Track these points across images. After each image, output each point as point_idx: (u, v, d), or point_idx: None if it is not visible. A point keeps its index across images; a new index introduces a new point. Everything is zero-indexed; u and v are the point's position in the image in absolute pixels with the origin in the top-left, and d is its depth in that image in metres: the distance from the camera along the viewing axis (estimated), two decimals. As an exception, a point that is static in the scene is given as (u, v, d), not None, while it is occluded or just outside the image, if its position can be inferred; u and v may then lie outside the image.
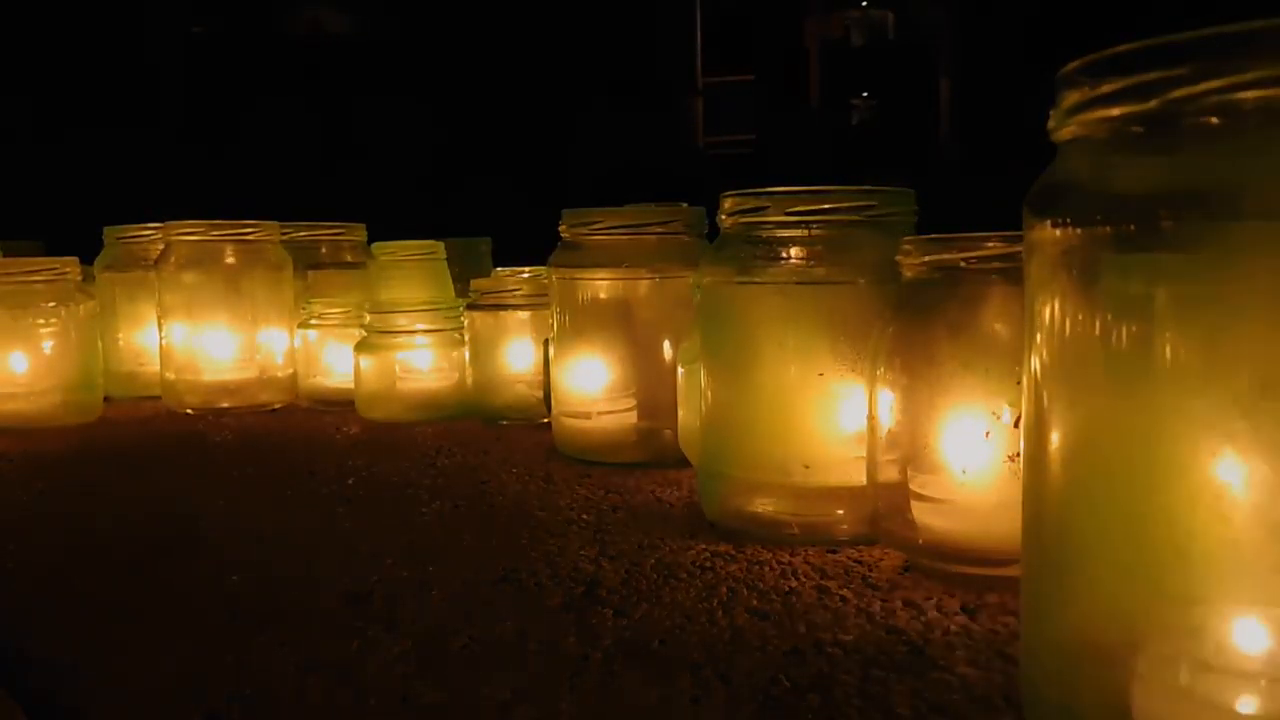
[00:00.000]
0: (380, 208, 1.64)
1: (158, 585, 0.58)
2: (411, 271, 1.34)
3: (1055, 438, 0.33)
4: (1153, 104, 0.29)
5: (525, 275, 1.08)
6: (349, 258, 1.38)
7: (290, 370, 1.22)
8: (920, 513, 0.54)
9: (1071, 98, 0.32)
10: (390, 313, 1.10)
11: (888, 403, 0.55)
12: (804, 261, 0.61)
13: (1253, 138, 0.28)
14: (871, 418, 0.56)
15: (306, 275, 1.30)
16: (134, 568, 0.62)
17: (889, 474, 0.56)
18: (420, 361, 1.09)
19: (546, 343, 0.94)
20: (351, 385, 1.12)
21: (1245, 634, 0.29)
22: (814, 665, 0.44)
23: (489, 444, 0.96)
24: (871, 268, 0.59)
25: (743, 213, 0.64)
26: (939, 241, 0.54)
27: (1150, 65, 0.29)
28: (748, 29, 4.24)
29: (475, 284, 1.09)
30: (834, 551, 0.60)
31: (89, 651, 0.49)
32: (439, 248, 1.36)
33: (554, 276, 0.88)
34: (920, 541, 0.54)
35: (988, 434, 0.52)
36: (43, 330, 1.08)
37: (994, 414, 0.51)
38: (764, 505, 0.63)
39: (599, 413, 0.86)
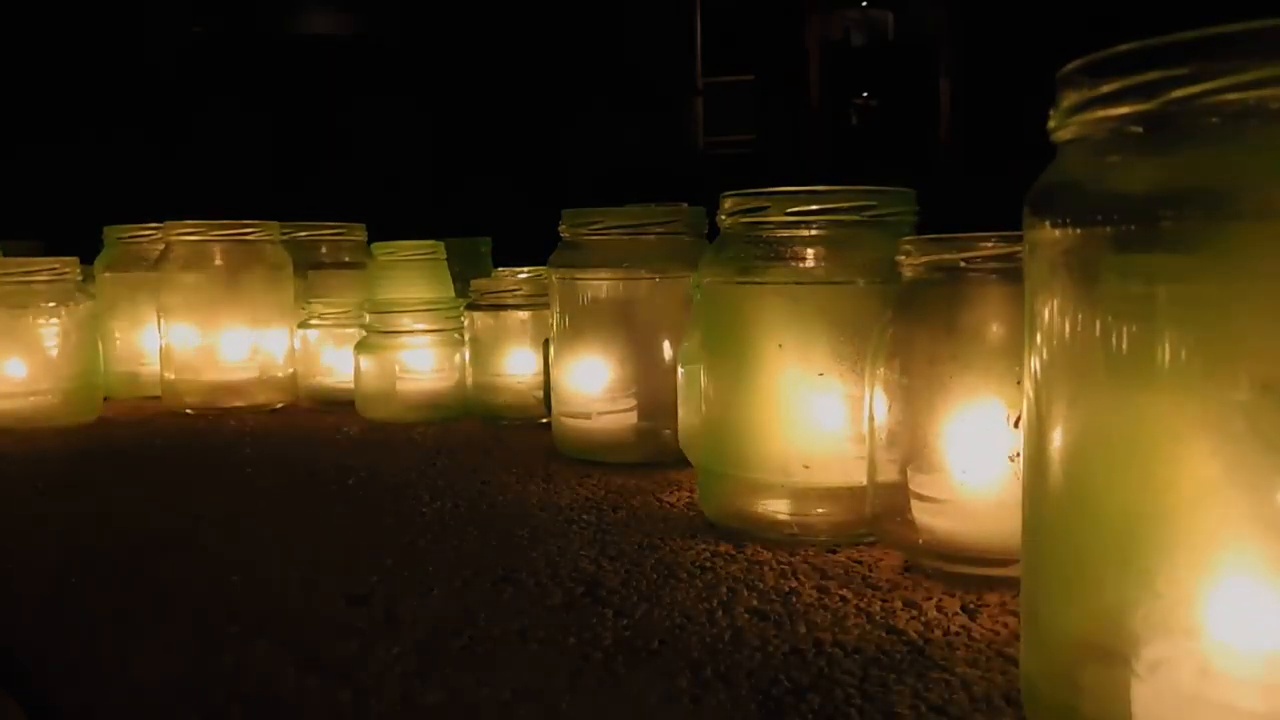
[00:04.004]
0: (380, 208, 1.64)
1: (158, 585, 0.58)
2: (411, 271, 1.34)
3: (1055, 438, 0.33)
4: (1153, 104, 0.29)
5: (525, 275, 1.08)
6: (349, 258, 1.38)
7: (290, 370, 1.22)
8: (920, 513, 0.54)
9: (1071, 98, 0.32)
10: (390, 313, 1.10)
11: (887, 403, 0.55)
12: (804, 261, 0.61)
13: (1253, 138, 0.28)
14: (871, 418, 0.56)
15: (306, 275, 1.30)
16: (134, 568, 0.62)
17: (889, 474, 0.56)
18: (420, 361, 1.09)
19: (546, 343, 0.94)
20: (351, 385, 1.12)
21: (1245, 634, 0.29)
22: (814, 665, 0.44)
23: (489, 444, 0.96)
24: (871, 268, 0.59)
25: (743, 213, 0.64)
26: (939, 241, 0.54)
27: (1150, 65, 0.29)
28: (748, 29, 4.24)
29: (475, 284, 1.09)
30: (834, 551, 0.60)
31: (89, 651, 0.49)
32: (439, 248, 1.36)
33: (554, 276, 0.88)
34: (920, 541, 0.54)
35: (987, 434, 0.52)
36: (43, 330, 1.08)
37: (993, 414, 0.51)
38: (764, 505, 0.63)
39: (599, 413, 0.86)
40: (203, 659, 0.47)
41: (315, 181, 3.11)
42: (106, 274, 1.30)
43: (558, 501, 0.73)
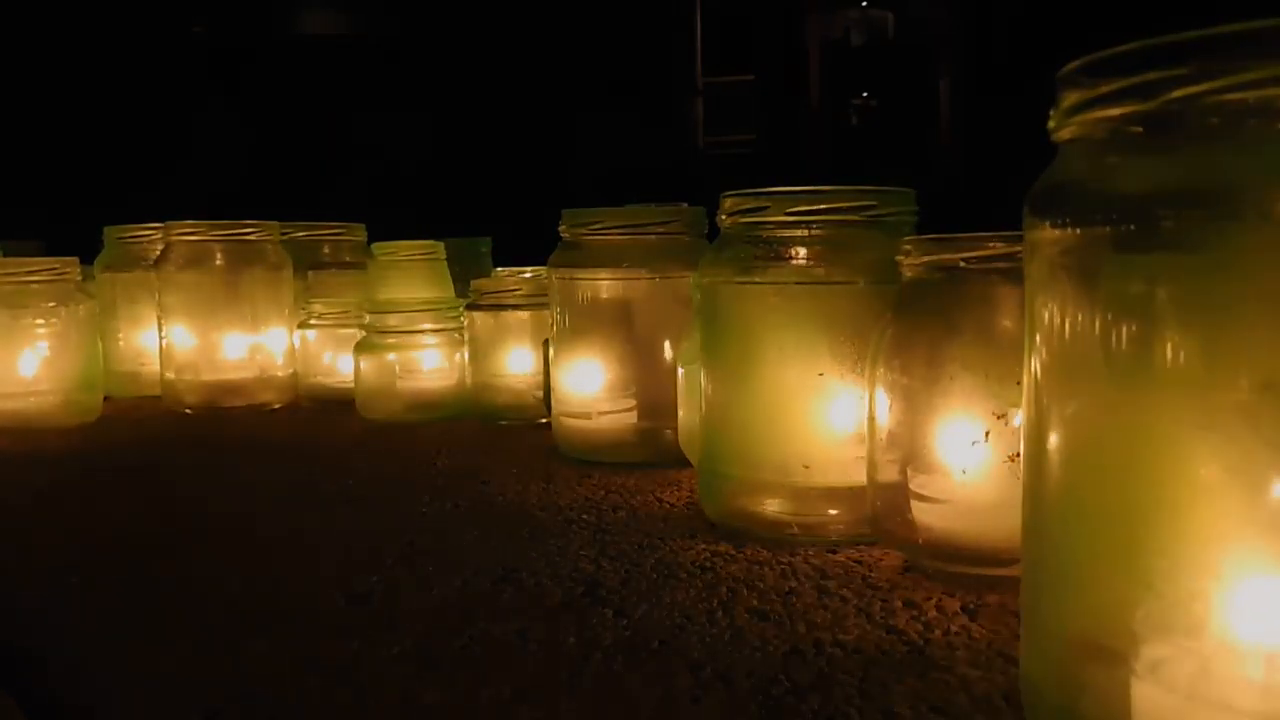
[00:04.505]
0: (380, 208, 1.64)
1: (158, 585, 0.58)
2: (411, 271, 1.34)
3: (1055, 438, 0.33)
4: (1153, 104, 0.29)
5: (525, 275, 1.08)
6: (349, 258, 1.38)
7: (290, 370, 1.22)
8: (920, 513, 0.54)
9: (1071, 98, 0.32)
10: (390, 313, 1.10)
11: (887, 403, 0.55)
12: (804, 261, 0.61)
13: (1253, 138, 0.28)
14: (871, 418, 0.56)
15: (306, 275, 1.30)
16: (134, 568, 0.62)
17: (889, 474, 0.56)
18: (420, 361, 1.09)
19: (546, 343, 0.94)
20: (351, 385, 1.12)
21: (1245, 633, 0.29)
22: (814, 665, 0.44)
23: (489, 444, 0.96)
24: (871, 268, 0.59)
25: (743, 213, 0.64)
26: (939, 241, 0.54)
27: (1150, 65, 0.29)
28: (748, 29, 4.24)
29: (475, 284, 1.09)
30: (834, 551, 0.60)
31: (89, 651, 0.49)
32: (439, 248, 1.36)
33: (554, 276, 0.88)
34: (920, 541, 0.54)
35: (987, 434, 0.52)
36: (43, 330, 1.08)
37: (994, 414, 0.51)
38: (764, 505, 0.63)
39: (599, 413, 0.86)
40: (203, 659, 0.47)
41: (315, 182, 3.11)
42: (106, 274, 1.30)
43: (558, 501, 0.73)
